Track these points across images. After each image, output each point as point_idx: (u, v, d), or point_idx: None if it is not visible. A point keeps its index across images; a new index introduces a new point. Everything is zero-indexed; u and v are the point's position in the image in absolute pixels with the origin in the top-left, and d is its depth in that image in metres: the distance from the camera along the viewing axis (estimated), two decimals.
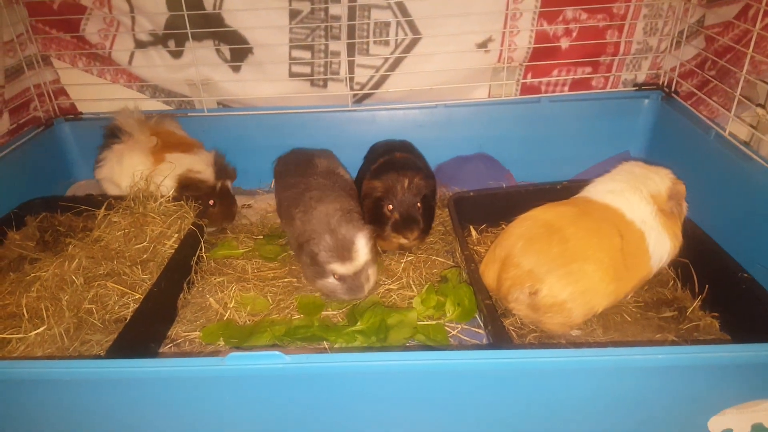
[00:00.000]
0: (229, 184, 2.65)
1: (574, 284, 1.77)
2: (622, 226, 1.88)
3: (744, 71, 2.24)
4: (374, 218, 2.30)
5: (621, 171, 2.08)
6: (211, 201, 2.56)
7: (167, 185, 2.51)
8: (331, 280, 2.07)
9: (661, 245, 1.92)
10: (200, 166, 2.56)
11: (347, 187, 2.44)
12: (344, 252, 2.02)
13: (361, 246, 2.05)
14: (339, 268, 2.03)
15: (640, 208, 1.92)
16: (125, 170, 2.57)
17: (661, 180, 1.99)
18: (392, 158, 2.48)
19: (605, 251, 1.81)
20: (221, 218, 2.62)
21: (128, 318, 1.86)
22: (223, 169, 2.63)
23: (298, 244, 2.16)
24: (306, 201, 2.25)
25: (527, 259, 1.83)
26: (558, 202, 2.02)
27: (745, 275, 1.85)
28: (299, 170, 2.50)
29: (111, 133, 2.68)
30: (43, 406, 1.55)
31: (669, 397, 1.46)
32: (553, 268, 1.79)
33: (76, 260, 2.15)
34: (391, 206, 2.25)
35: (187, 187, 2.51)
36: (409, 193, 2.25)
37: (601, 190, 2.02)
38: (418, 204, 2.26)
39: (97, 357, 1.82)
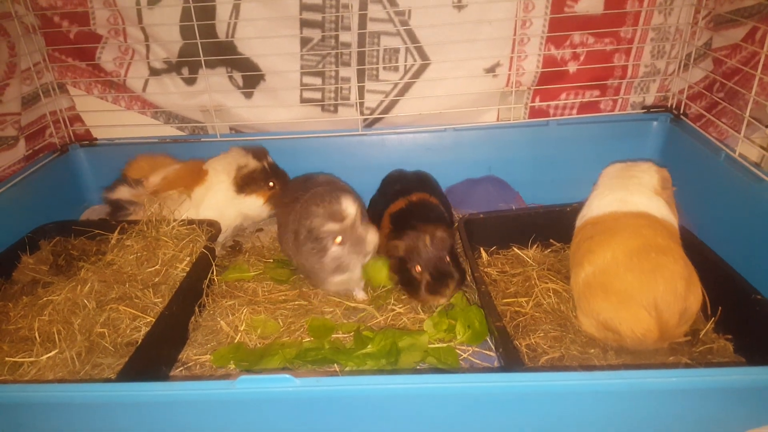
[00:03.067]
0: (271, 160, 2.72)
1: (697, 281, 1.85)
2: (659, 225, 1.93)
3: (753, 93, 2.25)
4: (405, 280, 2.19)
5: (613, 178, 2.18)
6: (270, 183, 2.65)
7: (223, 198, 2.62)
8: (334, 249, 2.10)
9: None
10: (242, 159, 2.64)
11: (349, 189, 2.47)
12: (334, 212, 2.08)
13: (347, 203, 2.10)
14: (334, 226, 2.07)
15: (655, 204, 2.01)
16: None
17: (650, 176, 2.11)
18: (410, 205, 2.37)
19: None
20: None
21: (140, 341, 1.87)
22: (257, 152, 2.69)
23: (297, 240, 2.20)
24: (301, 203, 2.28)
25: (680, 287, 1.78)
26: (604, 231, 1.96)
27: (759, 297, 1.84)
28: (296, 189, 2.52)
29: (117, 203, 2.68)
30: (54, 429, 1.56)
31: (683, 421, 1.44)
32: (693, 278, 1.83)
33: (89, 284, 2.17)
34: (419, 267, 2.11)
35: (247, 184, 2.61)
36: (434, 249, 2.11)
37: (617, 200, 2.05)
38: (447, 258, 2.13)
39: (108, 380, 1.82)
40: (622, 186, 2.10)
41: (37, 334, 1.98)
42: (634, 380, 1.34)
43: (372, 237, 2.14)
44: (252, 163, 2.65)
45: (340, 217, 2.08)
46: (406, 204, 2.38)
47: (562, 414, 1.44)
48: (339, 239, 2.10)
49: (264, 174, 2.66)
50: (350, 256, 2.11)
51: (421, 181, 2.69)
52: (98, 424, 1.53)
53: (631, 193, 2.06)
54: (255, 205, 2.66)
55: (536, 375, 1.38)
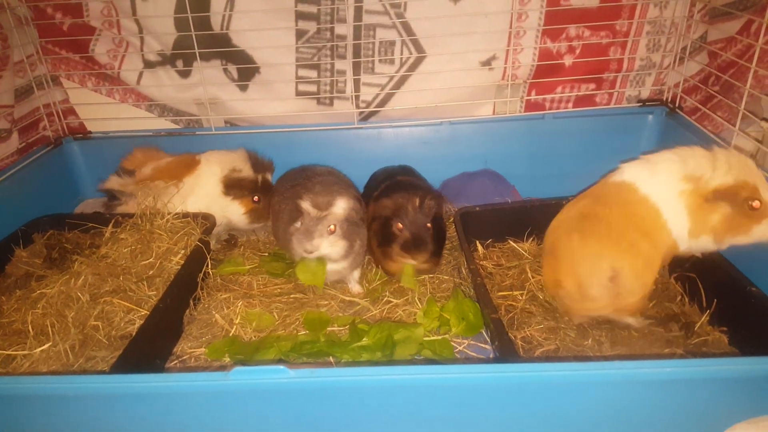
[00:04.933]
0: (269, 177, 2.69)
1: (642, 256, 1.84)
2: (635, 200, 1.90)
3: (747, 86, 2.25)
4: (383, 238, 2.27)
5: (679, 152, 1.96)
6: (255, 197, 2.61)
7: (210, 192, 2.59)
8: (296, 226, 2.11)
9: (680, 225, 1.88)
10: (239, 164, 2.61)
11: (349, 183, 2.50)
12: (320, 200, 2.08)
13: (337, 203, 2.08)
14: (305, 204, 2.07)
15: (660, 184, 1.89)
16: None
17: (721, 172, 1.83)
18: (397, 181, 2.48)
19: (639, 225, 1.86)
20: (267, 214, 2.65)
21: (134, 334, 1.86)
22: (260, 163, 2.66)
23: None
24: (310, 183, 2.30)
25: (593, 248, 1.86)
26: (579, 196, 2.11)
27: (753, 289, 1.84)
28: (294, 178, 2.52)
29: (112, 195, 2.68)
30: (47, 422, 1.55)
31: (678, 412, 1.44)
32: (624, 246, 1.83)
33: (82, 277, 2.16)
34: (401, 225, 2.20)
35: (232, 188, 2.57)
36: (420, 213, 2.21)
37: (627, 169, 2.00)
38: (429, 225, 2.22)
39: (102, 373, 1.81)
40: (662, 159, 1.96)
41: (30, 327, 1.98)
42: (628, 370, 1.34)
43: (322, 243, 2.06)
44: (246, 171, 2.60)
45: (321, 206, 2.08)
46: (392, 182, 2.45)
47: (556, 404, 1.44)
48: (299, 223, 2.10)
49: (252, 186, 2.61)
50: (295, 241, 2.10)
51: (405, 170, 2.72)
52: (92, 417, 1.52)
53: (652, 173, 1.93)
54: (237, 212, 2.62)
55: (531, 365, 1.38)
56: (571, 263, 1.90)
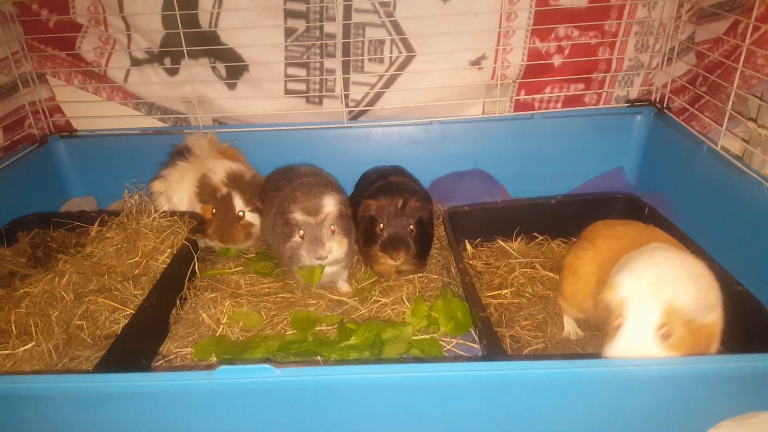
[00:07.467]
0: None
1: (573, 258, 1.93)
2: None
3: (734, 86, 2.26)
4: (366, 238, 2.29)
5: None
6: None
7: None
8: (296, 239, 2.12)
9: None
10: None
11: (330, 181, 2.49)
12: (309, 206, 2.12)
13: (326, 203, 2.12)
14: (300, 217, 2.09)
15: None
16: (184, 187, 2.57)
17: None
18: (388, 182, 2.48)
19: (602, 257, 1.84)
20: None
21: (118, 334, 1.84)
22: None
23: (275, 220, 2.24)
24: (289, 188, 2.30)
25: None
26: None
27: (740, 288, 1.84)
28: (279, 179, 2.51)
29: (178, 152, 2.68)
30: (29, 422, 1.53)
31: (664, 410, 1.44)
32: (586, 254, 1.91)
33: (67, 276, 2.14)
34: (381, 225, 2.24)
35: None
36: (401, 215, 2.24)
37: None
38: (411, 227, 2.24)
39: (85, 372, 1.79)
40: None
41: (13, 327, 1.96)
42: (616, 368, 1.34)
43: (332, 245, 2.09)
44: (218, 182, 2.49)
45: (313, 212, 2.09)
46: (383, 182, 2.46)
47: (544, 403, 1.44)
48: (301, 232, 2.10)
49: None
50: (304, 252, 2.10)
51: (397, 170, 2.72)
52: (75, 417, 1.50)
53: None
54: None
55: (519, 363, 1.37)
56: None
